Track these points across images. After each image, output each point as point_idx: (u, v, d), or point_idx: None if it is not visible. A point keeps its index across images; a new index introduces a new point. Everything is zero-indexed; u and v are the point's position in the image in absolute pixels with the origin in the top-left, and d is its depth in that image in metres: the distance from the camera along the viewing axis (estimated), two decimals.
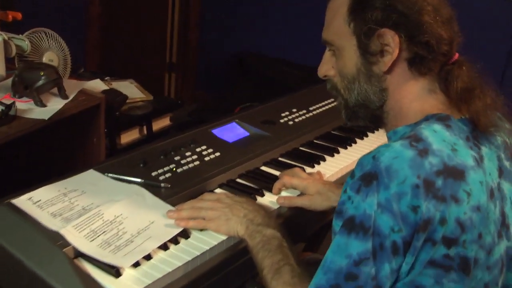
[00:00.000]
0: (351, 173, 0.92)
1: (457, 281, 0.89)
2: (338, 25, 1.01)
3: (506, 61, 2.83)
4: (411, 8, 0.95)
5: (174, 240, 1.12)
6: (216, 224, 1.16)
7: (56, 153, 1.82)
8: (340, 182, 1.44)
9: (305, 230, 1.49)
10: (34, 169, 1.80)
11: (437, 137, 0.91)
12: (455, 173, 0.88)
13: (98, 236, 1.08)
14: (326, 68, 1.07)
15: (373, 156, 0.89)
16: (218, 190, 1.35)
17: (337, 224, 0.93)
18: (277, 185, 1.36)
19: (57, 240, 1.05)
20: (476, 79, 0.99)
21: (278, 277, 1.02)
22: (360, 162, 0.91)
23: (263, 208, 1.20)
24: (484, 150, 0.97)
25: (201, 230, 1.16)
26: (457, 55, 1.01)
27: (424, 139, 0.90)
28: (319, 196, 1.33)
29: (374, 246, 0.87)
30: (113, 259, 1.03)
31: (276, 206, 1.31)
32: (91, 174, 1.28)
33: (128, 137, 2.19)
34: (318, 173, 1.46)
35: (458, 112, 0.99)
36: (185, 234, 1.14)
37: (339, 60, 1.04)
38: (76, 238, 1.06)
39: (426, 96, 0.99)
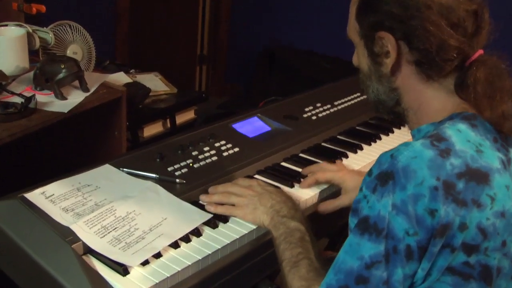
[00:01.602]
0: (369, 171, 0.88)
1: None
2: (352, 23, 1.00)
3: None
4: (409, 14, 0.89)
5: (186, 238, 1.09)
6: (243, 212, 1.16)
7: (78, 146, 1.81)
8: None
9: (328, 225, 1.45)
10: (55, 162, 1.80)
11: (461, 137, 0.86)
12: (478, 176, 0.83)
13: (109, 232, 1.06)
14: (355, 59, 1.05)
15: (391, 154, 0.85)
16: None
17: (352, 221, 0.90)
18: (308, 181, 1.33)
19: (67, 235, 1.03)
20: (500, 78, 0.91)
21: (295, 271, 1.00)
22: (379, 159, 0.87)
23: (291, 199, 1.17)
24: None
25: (225, 223, 1.16)
26: (477, 53, 0.92)
27: (447, 138, 0.85)
28: (357, 190, 1.29)
29: (387, 249, 0.82)
30: (121, 257, 1.00)
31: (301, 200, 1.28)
32: (106, 169, 1.26)
33: (152, 130, 2.17)
34: (339, 164, 1.42)
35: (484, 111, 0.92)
36: (197, 232, 1.11)
37: (359, 56, 1.02)
38: (86, 234, 1.04)
39: (446, 95, 0.93)
